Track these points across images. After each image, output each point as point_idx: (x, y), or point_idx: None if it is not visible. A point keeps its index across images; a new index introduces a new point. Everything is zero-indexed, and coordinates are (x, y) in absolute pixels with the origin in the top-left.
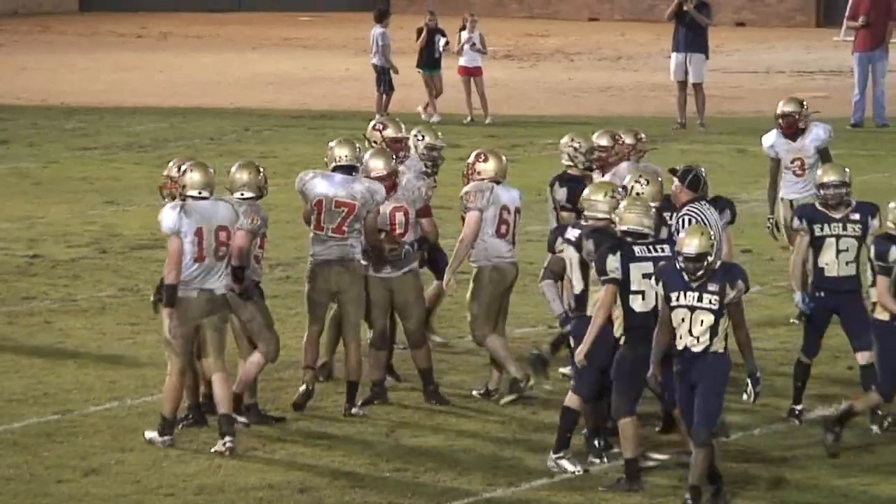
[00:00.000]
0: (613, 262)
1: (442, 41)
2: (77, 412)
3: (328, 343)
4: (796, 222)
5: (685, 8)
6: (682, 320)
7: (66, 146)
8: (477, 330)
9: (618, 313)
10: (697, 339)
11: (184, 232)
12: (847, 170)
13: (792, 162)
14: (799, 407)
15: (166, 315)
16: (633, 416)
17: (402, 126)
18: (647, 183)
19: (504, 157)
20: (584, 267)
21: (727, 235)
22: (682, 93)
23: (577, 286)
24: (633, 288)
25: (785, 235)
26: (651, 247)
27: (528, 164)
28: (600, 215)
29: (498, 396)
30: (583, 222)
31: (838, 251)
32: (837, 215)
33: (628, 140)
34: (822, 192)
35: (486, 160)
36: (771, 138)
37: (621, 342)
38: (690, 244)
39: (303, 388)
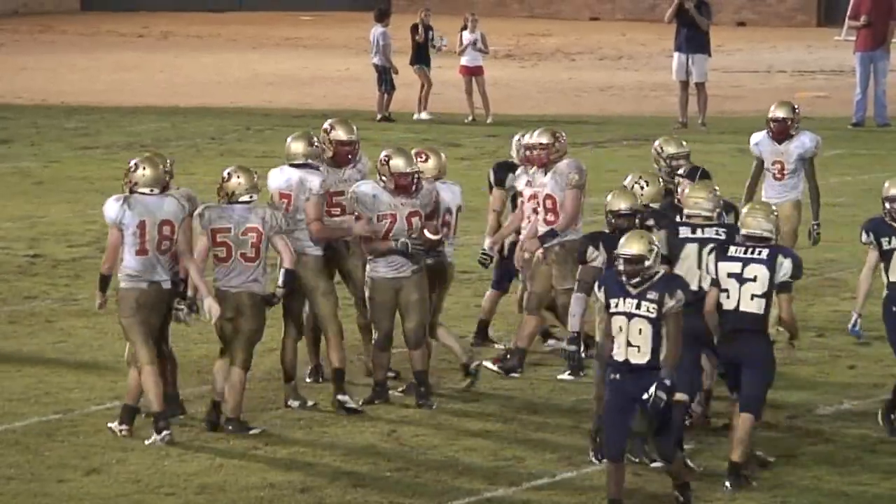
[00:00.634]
0: (710, 263)
1: (444, 40)
2: (78, 412)
3: (309, 345)
4: (864, 237)
5: (686, 7)
6: (620, 329)
7: (66, 146)
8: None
9: None
10: (638, 348)
11: (125, 224)
12: None
13: (773, 164)
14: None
15: (98, 296)
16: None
17: (354, 128)
18: (647, 184)
19: (444, 155)
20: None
21: None
22: (684, 92)
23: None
24: (720, 286)
25: None
26: (745, 249)
27: None
28: (705, 213)
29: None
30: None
31: None
32: None
33: (545, 140)
34: (887, 205)
35: (426, 159)
36: (758, 137)
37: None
38: (630, 246)
39: (296, 403)
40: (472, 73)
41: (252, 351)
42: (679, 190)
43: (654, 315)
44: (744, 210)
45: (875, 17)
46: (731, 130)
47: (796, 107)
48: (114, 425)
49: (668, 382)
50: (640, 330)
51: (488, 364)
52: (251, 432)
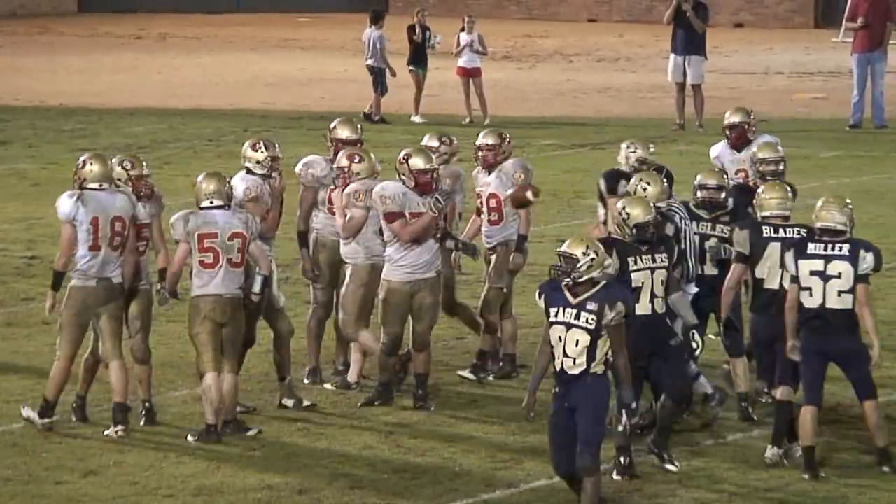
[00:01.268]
0: (789, 261)
1: (438, 38)
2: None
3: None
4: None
5: (683, 9)
6: (559, 339)
7: (64, 147)
8: (349, 327)
9: None
10: (574, 360)
11: (79, 220)
12: None
13: (736, 173)
14: None
15: (49, 297)
16: (817, 405)
17: (359, 127)
18: (650, 185)
19: (373, 156)
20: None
21: None
22: (681, 94)
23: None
24: (802, 284)
25: None
26: (825, 245)
27: None
28: (786, 213)
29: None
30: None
31: None
32: None
33: (491, 140)
34: (698, 193)
35: (360, 161)
36: (717, 149)
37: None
38: (569, 245)
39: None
40: (470, 74)
41: (243, 354)
42: (757, 192)
43: (592, 326)
44: (818, 204)
45: (872, 18)
46: None
47: (751, 111)
48: (109, 431)
49: (631, 405)
50: (578, 341)
51: (463, 373)
52: (249, 433)
